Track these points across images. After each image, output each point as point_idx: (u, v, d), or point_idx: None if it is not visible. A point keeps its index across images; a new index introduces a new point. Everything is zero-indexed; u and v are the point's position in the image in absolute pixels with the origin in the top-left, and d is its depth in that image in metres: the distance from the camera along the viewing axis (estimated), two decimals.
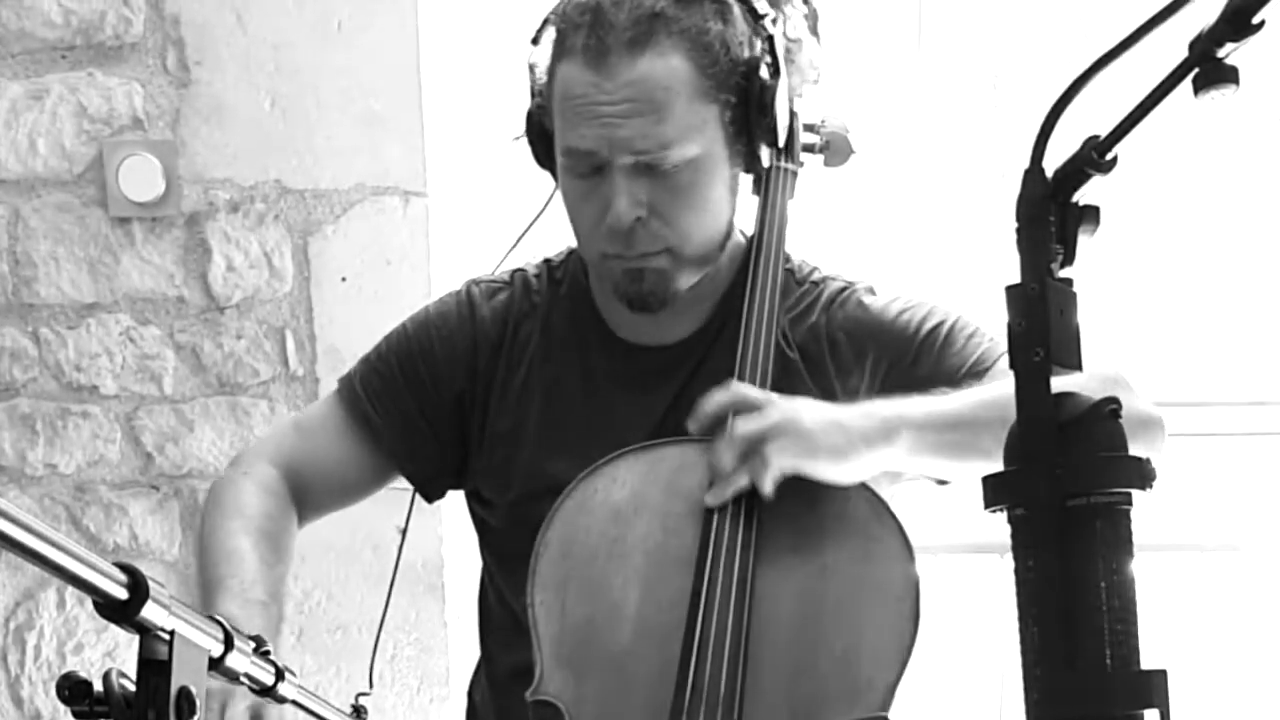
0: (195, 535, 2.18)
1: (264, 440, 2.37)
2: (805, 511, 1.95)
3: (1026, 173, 1.20)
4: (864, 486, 1.97)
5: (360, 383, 2.23)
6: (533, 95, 2.08)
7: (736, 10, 2.01)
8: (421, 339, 2.22)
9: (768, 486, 1.89)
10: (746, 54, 2.00)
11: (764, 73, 2.01)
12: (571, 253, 2.26)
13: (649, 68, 1.92)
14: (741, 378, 2.02)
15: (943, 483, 2.14)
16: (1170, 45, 1.13)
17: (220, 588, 1.96)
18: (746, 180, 2.16)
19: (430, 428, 2.20)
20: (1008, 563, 1.19)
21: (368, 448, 2.21)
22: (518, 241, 2.30)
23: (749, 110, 2.01)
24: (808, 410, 1.92)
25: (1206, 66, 1.10)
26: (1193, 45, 1.11)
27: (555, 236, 2.19)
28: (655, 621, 1.90)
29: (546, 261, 2.28)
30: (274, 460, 2.20)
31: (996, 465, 1.94)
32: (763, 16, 2.04)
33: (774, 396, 1.94)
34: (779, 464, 1.88)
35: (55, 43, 3.01)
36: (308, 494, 2.21)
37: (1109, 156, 1.16)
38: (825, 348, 2.14)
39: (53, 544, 1.01)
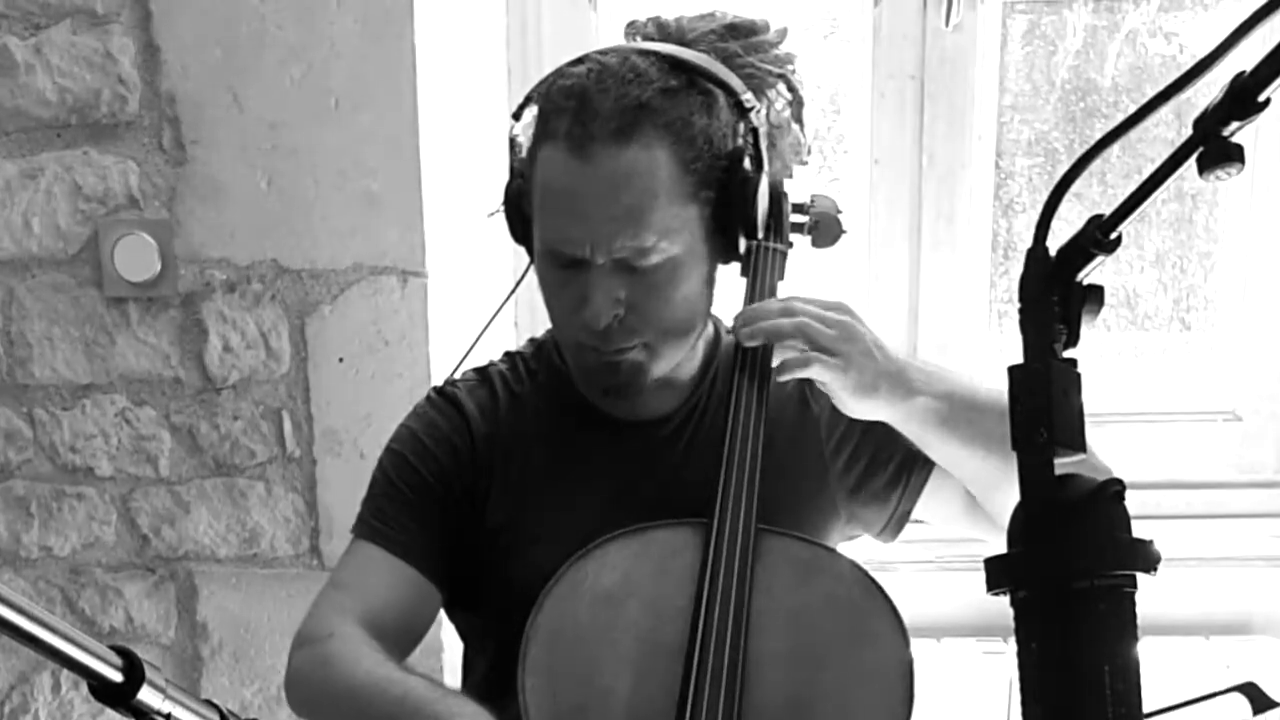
0: (311, 702, 2.01)
1: (315, 616, 2.09)
2: (797, 594, 1.96)
3: (1030, 252, 1.19)
4: (855, 566, 1.98)
5: (371, 515, 2.15)
6: (511, 172, 2.07)
7: (722, 100, 1.99)
8: (417, 450, 2.16)
9: (800, 372, 1.98)
10: (730, 146, 1.99)
11: (746, 165, 2.00)
12: (539, 345, 2.26)
13: (632, 160, 1.90)
14: (733, 449, 2.02)
15: (892, 536, 2.25)
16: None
17: (411, 696, 1.85)
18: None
19: (451, 528, 2.13)
20: (1011, 645, 1.19)
21: (404, 564, 2.10)
22: (493, 318, 2.30)
23: (730, 205, 1.99)
24: (866, 329, 2.00)
25: (1211, 146, 1.09)
26: (1197, 124, 1.10)
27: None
28: (647, 707, 1.88)
29: (517, 355, 2.27)
30: (344, 618, 2.03)
31: (991, 457, 1.96)
32: (749, 109, 2.02)
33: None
34: (825, 346, 1.96)
35: (50, 121, 3.00)
36: (384, 643, 2.01)
37: (1113, 236, 1.16)
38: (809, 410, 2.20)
39: (47, 627, 1.00)
